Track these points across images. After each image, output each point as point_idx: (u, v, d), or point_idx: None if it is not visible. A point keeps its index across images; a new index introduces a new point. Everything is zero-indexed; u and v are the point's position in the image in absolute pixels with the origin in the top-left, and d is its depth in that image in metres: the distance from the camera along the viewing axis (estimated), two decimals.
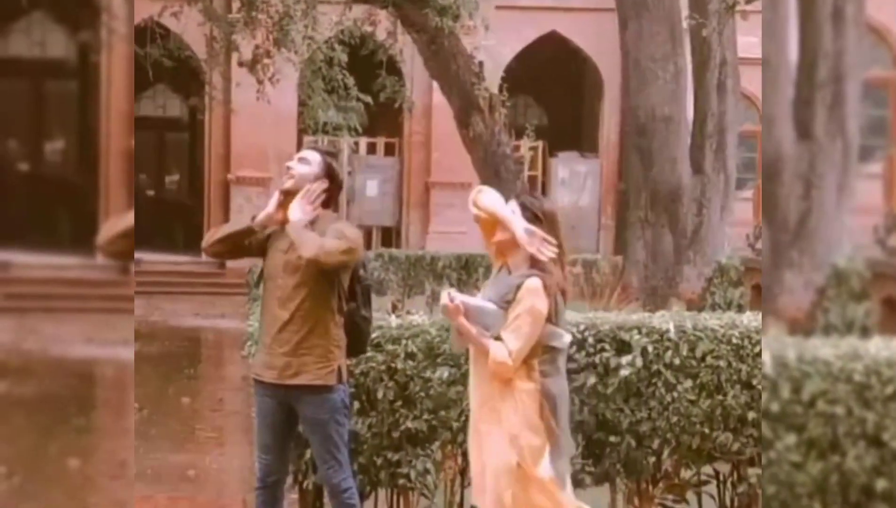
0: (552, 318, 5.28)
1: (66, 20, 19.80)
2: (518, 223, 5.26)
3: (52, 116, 22.14)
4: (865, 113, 13.31)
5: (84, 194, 18.51)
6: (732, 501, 6.93)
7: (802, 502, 4.91)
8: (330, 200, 5.69)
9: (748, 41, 13.44)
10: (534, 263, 5.27)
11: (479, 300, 5.37)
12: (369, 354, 6.25)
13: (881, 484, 4.84)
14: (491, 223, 5.37)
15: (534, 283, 5.22)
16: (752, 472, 6.43)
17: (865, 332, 8.37)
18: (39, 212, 18.88)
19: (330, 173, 5.67)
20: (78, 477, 7.40)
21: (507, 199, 5.42)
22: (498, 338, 5.22)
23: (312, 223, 5.58)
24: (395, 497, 6.88)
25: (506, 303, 5.25)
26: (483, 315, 5.27)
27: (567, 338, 5.44)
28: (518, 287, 5.24)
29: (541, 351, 5.27)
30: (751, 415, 6.30)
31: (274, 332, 5.59)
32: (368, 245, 24.29)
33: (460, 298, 5.29)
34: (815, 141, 9.72)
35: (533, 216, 5.30)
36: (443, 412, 6.10)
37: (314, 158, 5.68)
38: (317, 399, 5.57)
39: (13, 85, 19.62)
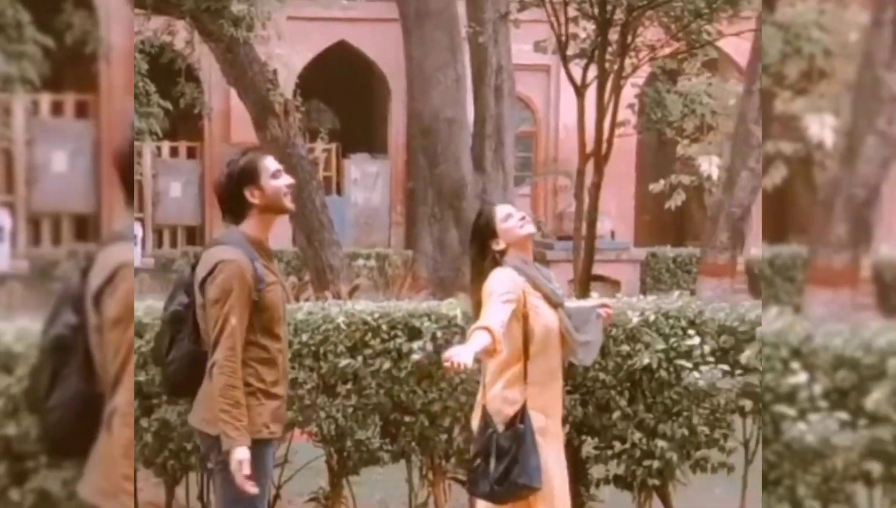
0: None
1: None
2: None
3: None
4: (518, 155, 18.36)
5: None
6: None
7: None
8: None
9: (521, 48, 13.57)
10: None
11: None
12: None
13: None
14: None
15: None
16: None
17: None
18: None
19: None
20: None
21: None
22: None
23: None
24: None
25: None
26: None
27: None
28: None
29: None
30: None
31: (285, 383, 4.65)
32: (174, 244, 23.73)
33: None
34: (486, 172, 13.13)
35: None
36: None
37: None
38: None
39: None
